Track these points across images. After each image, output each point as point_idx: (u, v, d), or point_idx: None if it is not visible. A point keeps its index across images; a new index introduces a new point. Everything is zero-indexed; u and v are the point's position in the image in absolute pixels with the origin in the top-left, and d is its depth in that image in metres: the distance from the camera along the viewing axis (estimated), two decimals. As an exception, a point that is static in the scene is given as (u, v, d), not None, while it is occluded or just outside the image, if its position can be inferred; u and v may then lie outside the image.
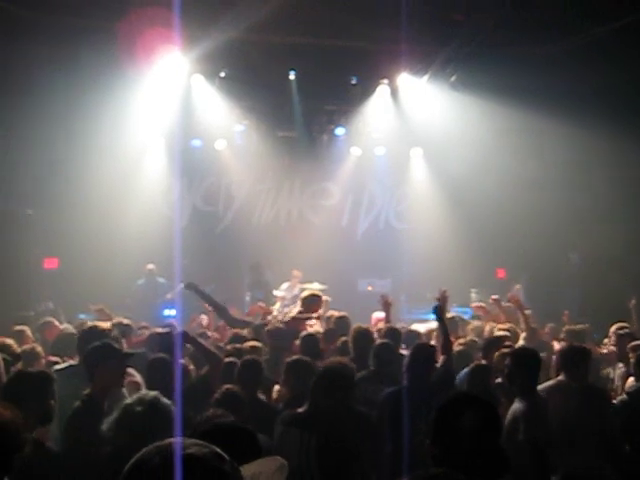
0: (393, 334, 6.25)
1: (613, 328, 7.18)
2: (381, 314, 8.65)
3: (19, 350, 5.62)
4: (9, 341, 5.73)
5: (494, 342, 6.19)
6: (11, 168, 10.55)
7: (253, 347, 6.04)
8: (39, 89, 9.82)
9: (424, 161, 14.07)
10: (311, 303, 7.47)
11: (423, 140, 13.41)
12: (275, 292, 11.98)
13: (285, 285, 12.10)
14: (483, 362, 5.76)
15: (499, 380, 5.20)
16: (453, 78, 11.34)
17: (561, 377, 5.16)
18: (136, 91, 10.91)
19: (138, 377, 5.24)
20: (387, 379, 5.39)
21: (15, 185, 10.84)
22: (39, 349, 5.95)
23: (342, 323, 7.08)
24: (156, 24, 8.80)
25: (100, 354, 4.55)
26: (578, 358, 5.18)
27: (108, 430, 3.52)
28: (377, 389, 5.24)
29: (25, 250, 11.17)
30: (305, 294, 7.88)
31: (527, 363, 4.66)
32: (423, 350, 5.31)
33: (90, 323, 6.33)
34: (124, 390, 4.86)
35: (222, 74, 11.65)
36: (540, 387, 4.97)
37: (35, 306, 9.91)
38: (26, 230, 11.26)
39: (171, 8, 7.38)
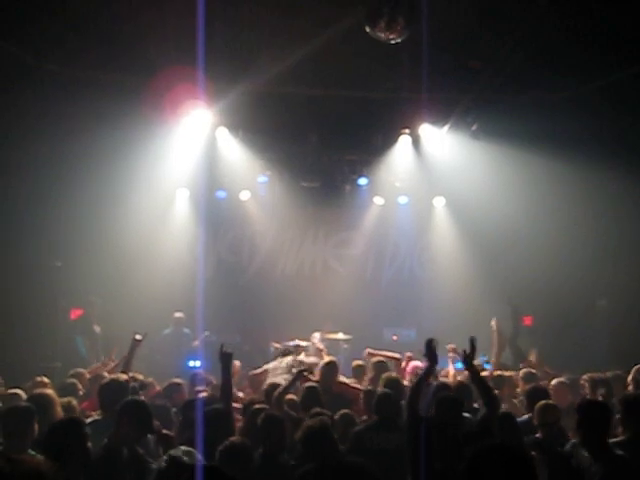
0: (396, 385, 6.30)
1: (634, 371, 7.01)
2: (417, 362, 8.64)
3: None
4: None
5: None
6: (42, 222, 10.78)
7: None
8: (68, 144, 10.09)
9: (447, 210, 14.10)
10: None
11: (445, 189, 13.47)
12: (300, 342, 11.90)
13: (317, 335, 11.96)
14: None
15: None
16: (474, 127, 11.41)
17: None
18: (162, 144, 11.14)
19: None
20: (393, 427, 5.35)
21: (45, 238, 11.05)
22: (74, 402, 6.00)
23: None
24: (181, 80, 9.05)
25: (130, 409, 4.72)
26: None
27: None
28: (385, 438, 5.18)
29: (53, 301, 11.32)
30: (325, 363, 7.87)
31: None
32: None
33: (109, 377, 6.40)
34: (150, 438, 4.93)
35: (245, 126, 11.87)
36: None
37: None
38: (55, 281, 11.44)
39: (196, 65, 7.60)
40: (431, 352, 5.19)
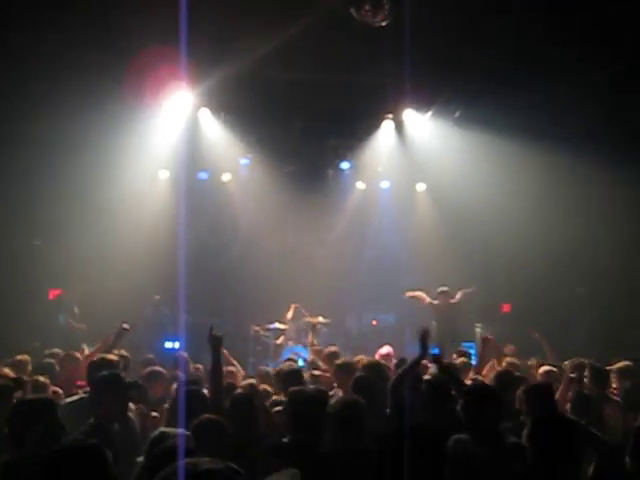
0: (377, 369, 6.04)
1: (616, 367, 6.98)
2: (386, 349, 8.63)
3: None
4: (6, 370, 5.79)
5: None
6: (20, 201, 10.71)
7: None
8: (48, 123, 9.99)
9: (428, 195, 14.14)
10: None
11: (427, 175, 13.50)
12: (279, 325, 12.00)
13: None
14: None
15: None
16: (457, 114, 11.44)
17: None
18: (144, 125, 11.06)
19: None
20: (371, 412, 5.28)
21: (24, 217, 10.97)
22: (43, 380, 5.94)
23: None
24: (164, 60, 8.97)
25: (106, 384, 4.74)
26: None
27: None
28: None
29: (31, 280, 11.27)
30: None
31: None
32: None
33: (99, 355, 6.38)
34: (131, 415, 4.95)
35: (228, 108, 11.80)
36: None
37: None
38: (33, 260, 11.38)
39: (178, 45, 7.54)
40: (424, 343, 5.26)
